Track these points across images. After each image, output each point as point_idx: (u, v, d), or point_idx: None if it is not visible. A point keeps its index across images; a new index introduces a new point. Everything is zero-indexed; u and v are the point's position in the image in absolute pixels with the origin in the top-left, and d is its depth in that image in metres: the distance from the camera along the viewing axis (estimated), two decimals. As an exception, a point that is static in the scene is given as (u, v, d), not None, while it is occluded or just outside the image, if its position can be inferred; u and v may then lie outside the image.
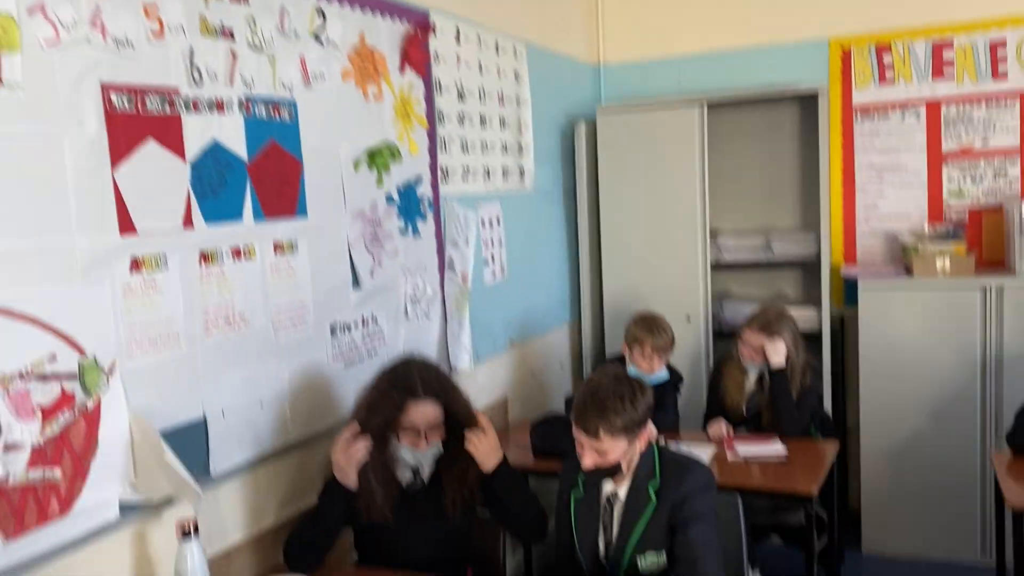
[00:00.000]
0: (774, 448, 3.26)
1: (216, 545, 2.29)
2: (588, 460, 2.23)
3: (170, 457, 2.00)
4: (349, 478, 2.34)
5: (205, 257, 2.22)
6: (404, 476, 2.49)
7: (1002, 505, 2.98)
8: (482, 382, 3.69)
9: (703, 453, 3.25)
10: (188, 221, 2.18)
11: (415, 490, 2.49)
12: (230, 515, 2.34)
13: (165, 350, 2.10)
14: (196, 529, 2.00)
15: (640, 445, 2.25)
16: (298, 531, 2.40)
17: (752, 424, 3.62)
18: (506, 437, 3.66)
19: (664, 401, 3.61)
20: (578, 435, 2.23)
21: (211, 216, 2.24)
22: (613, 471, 2.24)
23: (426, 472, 2.50)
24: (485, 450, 2.42)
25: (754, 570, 3.14)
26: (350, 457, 2.32)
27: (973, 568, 3.95)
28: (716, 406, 3.74)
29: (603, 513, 2.33)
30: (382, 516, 2.39)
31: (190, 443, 2.18)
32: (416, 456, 2.42)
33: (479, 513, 2.58)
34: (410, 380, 2.41)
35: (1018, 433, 3.04)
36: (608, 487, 2.32)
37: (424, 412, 2.39)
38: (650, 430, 2.28)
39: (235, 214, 2.32)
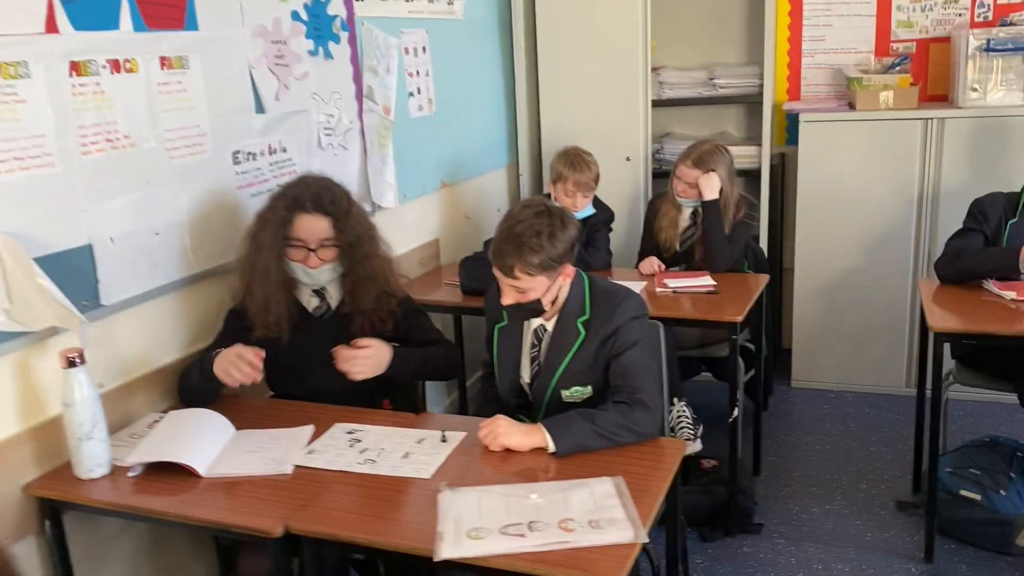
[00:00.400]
0: (703, 281, 3.21)
1: (116, 379, 2.19)
2: (507, 298, 2.14)
3: (45, 282, 1.86)
4: (228, 381, 2.21)
5: (76, 68, 2.01)
6: (310, 302, 2.40)
7: (926, 333, 2.99)
8: (410, 222, 3.56)
9: (634, 288, 3.19)
10: (52, 26, 1.95)
11: (322, 316, 2.40)
12: (129, 348, 2.23)
13: (35, 168, 1.92)
14: (82, 359, 1.89)
15: (563, 281, 2.16)
16: (185, 377, 2.32)
17: (685, 261, 3.57)
18: (438, 277, 3.57)
19: (595, 239, 3.53)
20: (496, 274, 2.13)
21: (80, 22, 2.01)
22: (536, 310, 2.15)
23: (333, 299, 2.41)
24: (362, 369, 2.27)
25: (680, 400, 3.16)
26: (233, 373, 2.18)
27: (895, 396, 4.05)
28: (650, 244, 3.67)
29: (530, 346, 2.26)
30: (277, 332, 2.30)
31: (76, 271, 2.04)
32: (310, 275, 2.32)
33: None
34: (299, 194, 2.30)
35: (945, 261, 3.02)
36: (536, 319, 2.25)
37: (311, 226, 2.28)
38: (571, 270, 2.18)
39: (110, 21, 2.09)
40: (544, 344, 2.24)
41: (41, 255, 1.93)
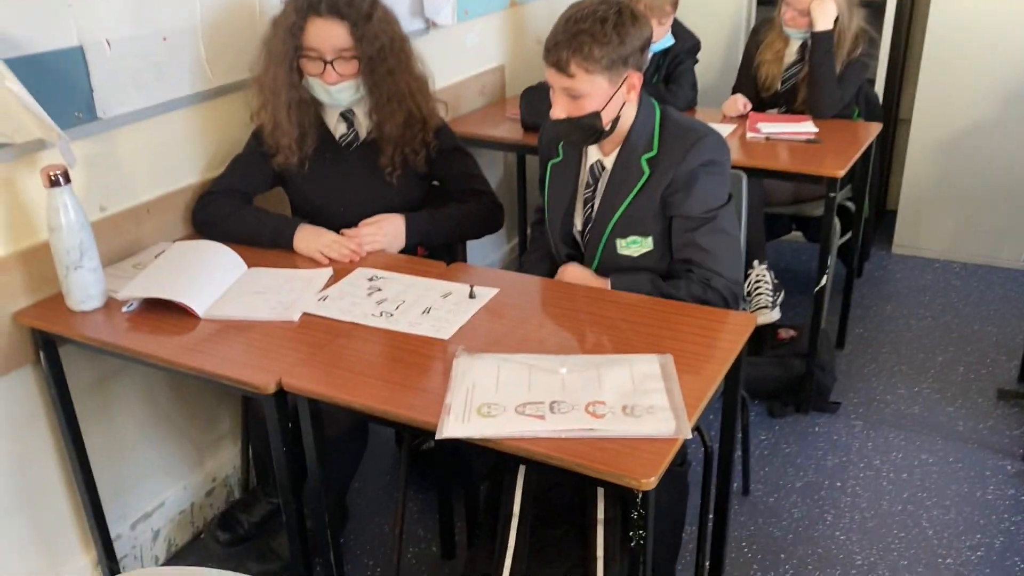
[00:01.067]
0: (804, 127, 2.77)
1: (120, 202, 1.98)
2: (558, 108, 1.79)
3: (14, 85, 1.61)
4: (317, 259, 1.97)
5: None
6: (337, 127, 2.11)
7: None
8: (472, 45, 3.18)
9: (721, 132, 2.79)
10: None
11: (349, 145, 2.12)
12: (136, 169, 2.00)
13: (6, -51, 1.64)
14: (66, 177, 1.67)
15: (628, 95, 1.79)
16: (221, 215, 2.07)
17: (786, 103, 3.11)
18: (500, 110, 3.21)
19: (677, 73, 3.08)
20: (549, 76, 1.77)
21: None
22: (593, 128, 1.79)
23: (362, 125, 2.11)
24: (370, 243, 2.01)
25: (761, 263, 2.81)
26: (330, 255, 1.96)
27: (1009, 271, 3.59)
28: (747, 81, 3.21)
29: (584, 186, 1.93)
30: (294, 159, 2.05)
31: (64, 77, 1.79)
32: (330, 94, 2.01)
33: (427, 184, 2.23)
34: None
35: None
36: (594, 154, 1.91)
37: (325, 32, 1.96)
38: (639, 81, 1.80)
39: None
40: (601, 184, 1.91)
41: (19, 56, 1.68)
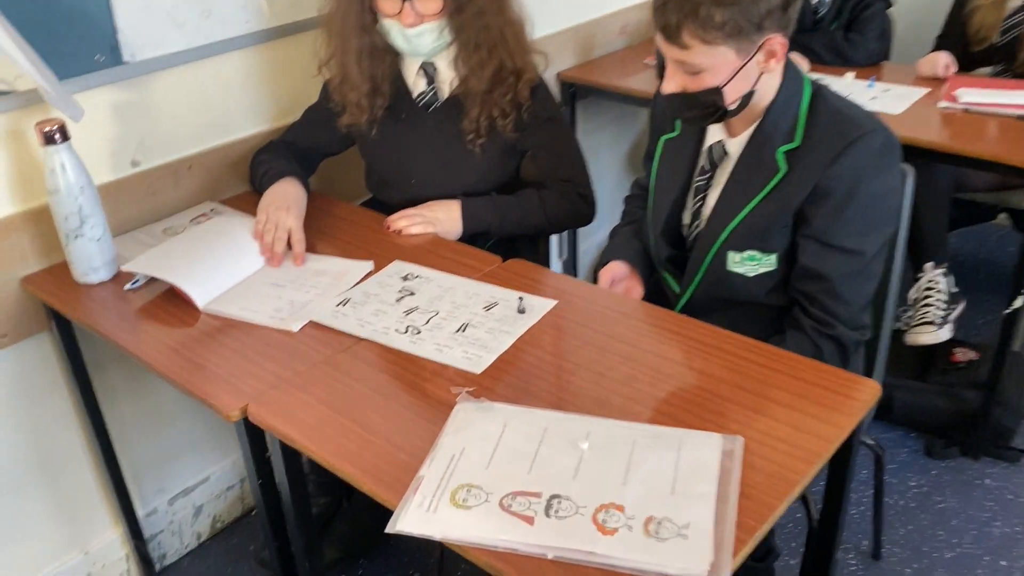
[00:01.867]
0: (1020, 96, 2.14)
1: (156, 156, 1.76)
2: (671, 80, 1.37)
3: (-5, 26, 1.40)
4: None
5: None
6: (417, 83, 1.78)
7: None
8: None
9: (900, 100, 2.22)
10: None
11: (427, 105, 1.78)
12: (175, 120, 1.77)
13: None
14: (64, 134, 1.45)
15: (764, 65, 1.33)
16: (260, 149, 1.83)
17: (1001, 61, 2.45)
18: (640, 55, 2.75)
19: (862, 19, 2.49)
20: (658, 41, 1.35)
21: None
22: (713, 107, 1.36)
23: (445, 81, 1.77)
24: (411, 224, 1.70)
25: (937, 266, 2.24)
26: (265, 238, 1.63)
27: None
28: (954, 32, 2.56)
29: (699, 172, 1.51)
30: (363, 118, 1.75)
31: (79, 12, 1.56)
32: (408, 40, 1.67)
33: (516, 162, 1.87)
34: None
35: None
36: (716, 132, 1.48)
37: None
38: (782, 47, 1.33)
39: None
40: (721, 174, 1.48)
41: (24, -13, 1.47)
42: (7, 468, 1.71)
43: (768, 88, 1.37)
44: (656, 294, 1.64)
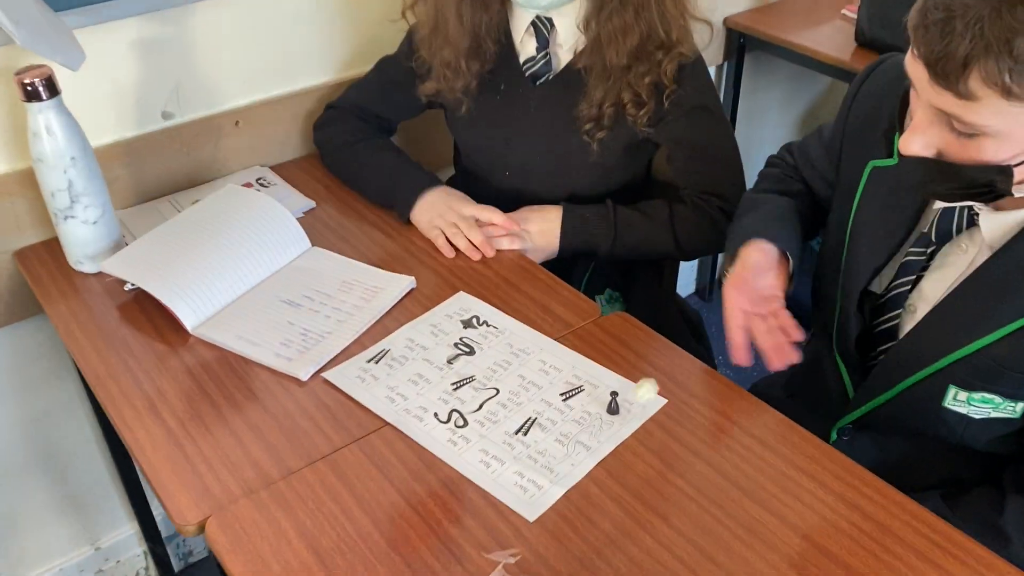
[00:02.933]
0: None
1: (195, 109, 1.41)
2: (919, 138, 0.84)
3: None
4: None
5: None
6: (525, 45, 1.34)
7: None
8: None
9: None
10: None
11: (538, 77, 1.34)
12: (218, 65, 1.41)
13: None
14: (51, 87, 1.11)
15: None
16: (325, 118, 1.44)
17: None
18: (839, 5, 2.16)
19: None
20: (914, 75, 0.82)
21: None
22: (990, 190, 0.84)
23: (563, 48, 1.32)
24: (514, 247, 1.29)
25: None
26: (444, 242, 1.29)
27: None
28: None
29: (915, 237, 1.01)
30: (456, 87, 1.32)
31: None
32: None
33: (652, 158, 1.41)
34: None
35: None
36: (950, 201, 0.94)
37: None
38: None
39: None
40: (954, 258, 0.97)
41: None
42: (10, 456, 1.48)
43: None
44: (811, 366, 1.17)
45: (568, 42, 1.30)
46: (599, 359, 1.08)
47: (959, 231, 0.95)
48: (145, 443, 0.98)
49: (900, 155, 0.87)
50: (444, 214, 1.29)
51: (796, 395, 1.21)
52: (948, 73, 0.75)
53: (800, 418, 1.05)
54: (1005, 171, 0.80)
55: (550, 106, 1.32)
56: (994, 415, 0.94)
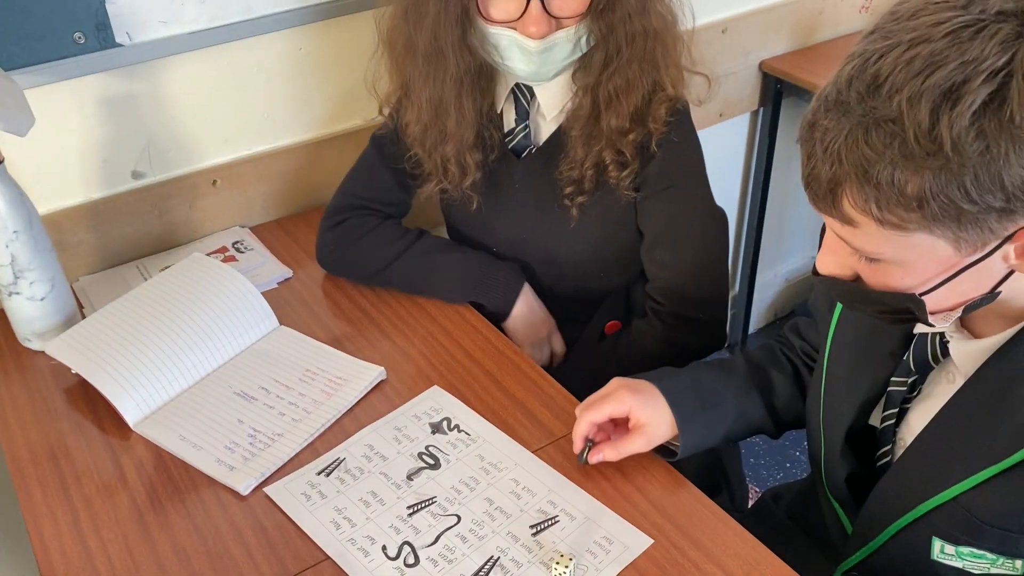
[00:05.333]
0: None
1: (168, 167, 1.31)
2: (828, 258, 0.75)
3: None
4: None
5: None
6: (506, 118, 1.21)
7: None
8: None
9: None
10: None
11: (520, 151, 1.21)
12: (194, 122, 1.31)
13: None
14: (-10, 156, 1.02)
15: (1017, 263, 0.67)
16: (334, 225, 1.27)
17: None
18: None
19: None
20: (809, 198, 0.71)
21: None
22: (903, 314, 0.73)
23: (547, 117, 1.18)
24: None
25: None
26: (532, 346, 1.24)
27: None
28: None
29: (899, 368, 0.86)
30: (465, 184, 1.19)
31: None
32: (528, 56, 1.07)
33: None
34: None
35: None
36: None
37: None
38: None
39: None
40: (937, 387, 0.83)
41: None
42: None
43: None
44: (810, 496, 1.04)
45: (551, 112, 1.17)
46: (581, 481, 0.95)
47: (936, 360, 0.81)
48: (59, 567, 0.88)
49: (816, 274, 0.77)
50: (536, 328, 1.22)
51: (797, 520, 1.06)
52: (820, 197, 0.68)
53: (802, 552, 0.92)
54: (915, 300, 0.70)
55: (534, 178, 1.20)
56: (993, 571, 0.79)
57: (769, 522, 1.08)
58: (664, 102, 1.12)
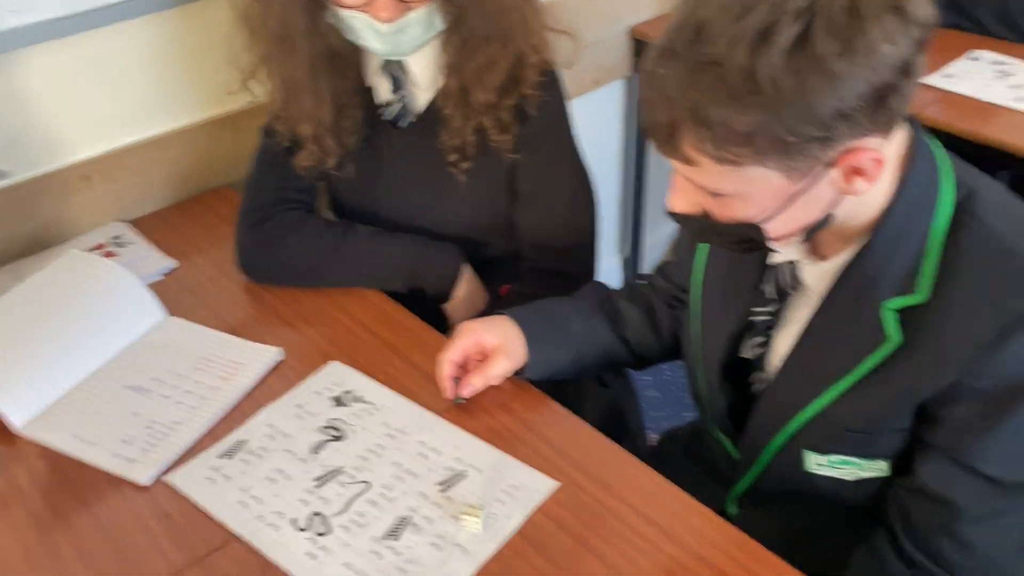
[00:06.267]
0: None
1: (35, 164, 1.26)
2: (678, 198, 0.80)
3: None
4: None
5: None
6: (381, 91, 1.21)
7: None
8: None
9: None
10: None
11: (399, 122, 1.22)
12: (59, 116, 1.26)
13: None
14: None
15: (848, 188, 0.73)
16: (255, 223, 1.22)
17: None
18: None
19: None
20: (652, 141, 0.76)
21: None
22: (748, 241, 0.80)
23: (422, 89, 1.19)
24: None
25: None
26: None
27: None
28: None
29: (760, 300, 0.92)
30: (330, 159, 1.19)
31: None
32: (382, 37, 1.07)
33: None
34: None
35: None
36: (787, 250, 0.85)
37: None
38: (876, 163, 0.71)
39: None
40: (795, 311, 0.89)
41: None
42: None
43: (868, 204, 0.77)
44: (696, 445, 1.10)
45: (425, 81, 1.18)
46: (486, 435, 0.97)
47: (794, 285, 0.87)
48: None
49: (669, 213, 0.82)
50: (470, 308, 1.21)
51: (692, 457, 1.12)
52: (662, 142, 0.73)
53: (698, 484, 0.97)
54: (756, 229, 0.76)
55: (415, 147, 1.21)
56: (864, 475, 0.86)
57: (667, 461, 1.12)
58: (533, 67, 1.14)
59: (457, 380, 1.00)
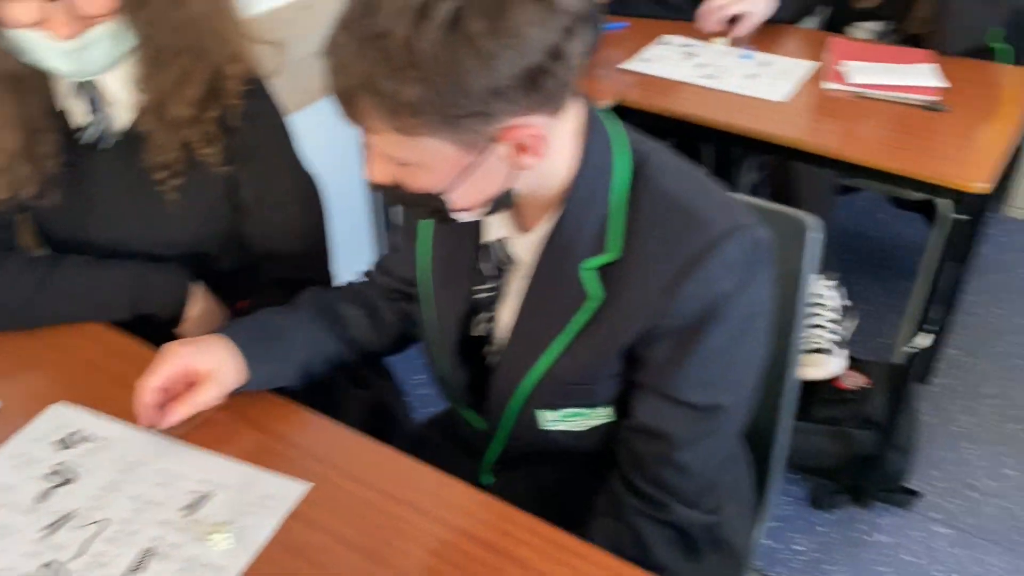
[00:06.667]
0: (921, 74, 1.73)
1: None
2: (372, 168, 0.82)
3: None
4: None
5: None
6: (74, 113, 1.14)
7: None
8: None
9: (783, 79, 1.77)
10: None
11: (100, 144, 1.15)
12: None
13: None
14: None
15: (517, 162, 0.78)
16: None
17: (891, 18, 2.02)
18: None
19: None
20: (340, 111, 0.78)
21: None
22: (433, 211, 0.83)
23: (120, 106, 1.13)
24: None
25: (829, 278, 1.87)
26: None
27: None
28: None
29: (480, 278, 0.96)
30: (22, 191, 1.11)
31: None
32: (65, 55, 1.01)
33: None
34: None
35: None
36: (494, 227, 0.93)
37: None
38: (537, 139, 0.77)
39: None
40: (512, 284, 0.94)
41: None
42: None
43: (555, 176, 0.84)
44: (450, 426, 1.14)
45: (122, 99, 1.12)
46: (234, 452, 0.94)
47: (507, 260, 0.93)
48: None
49: (368, 183, 0.84)
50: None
51: (449, 439, 1.15)
52: (345, 110, 0.75)
53: (456, 462, 1.01)
54: (438, 199, 0.80)
55: (121, 169, 1.15)
56: (592, 423, 0.94)
57: (427, 447, 1.15)
58: (234, 78, 1.12)
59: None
